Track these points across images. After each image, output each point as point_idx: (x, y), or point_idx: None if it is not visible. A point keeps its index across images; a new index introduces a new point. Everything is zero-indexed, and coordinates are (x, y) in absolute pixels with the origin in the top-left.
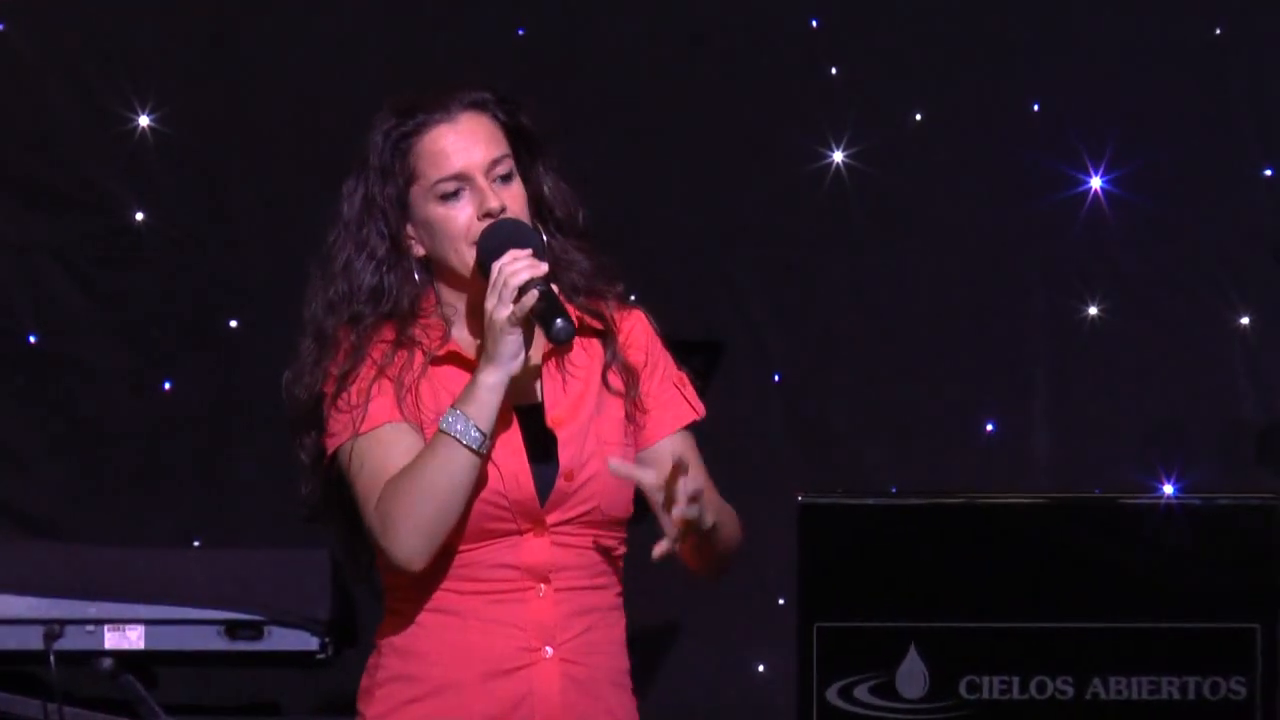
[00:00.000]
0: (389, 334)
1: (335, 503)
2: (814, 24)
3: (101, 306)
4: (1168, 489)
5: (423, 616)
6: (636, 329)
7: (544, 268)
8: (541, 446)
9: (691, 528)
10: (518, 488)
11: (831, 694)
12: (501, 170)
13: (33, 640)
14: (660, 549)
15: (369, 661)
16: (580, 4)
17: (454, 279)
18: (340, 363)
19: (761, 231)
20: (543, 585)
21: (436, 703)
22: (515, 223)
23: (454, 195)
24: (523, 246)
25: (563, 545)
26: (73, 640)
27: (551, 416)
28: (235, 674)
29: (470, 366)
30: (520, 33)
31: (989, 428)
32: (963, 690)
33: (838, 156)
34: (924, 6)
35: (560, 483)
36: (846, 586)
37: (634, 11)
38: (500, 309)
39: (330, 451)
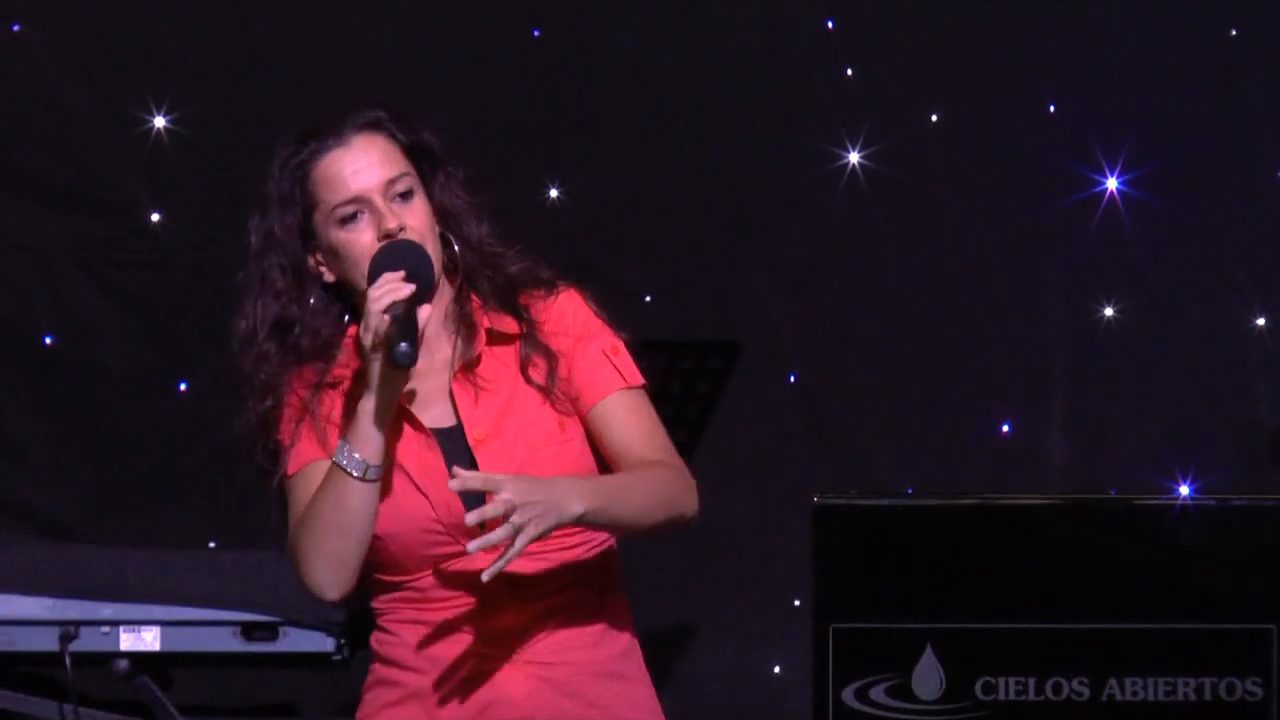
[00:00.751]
0: (310, 375)
1: None
2: (830, 25)
3: (118, 308)
4: (1184, 490)
5: (398, 627)
6: (566, 311)
7: (407, 290)
8: (465, 468)
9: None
10: (449, 514)
11: (847, 695)
12: (400, 188)
13: (48, 641)
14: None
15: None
16: (597, 4)
17: (363, 300)
18: (260, 401)
19: (778, 232)
20: (509, 594)
21: (413, 707)
22: (399, 244)
23: (353, 218)
24: (398, 268)
25: (525, 553)
26: (88, 641)
27: (472, 435)
28: (251, 675)
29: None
30: (536, 34)
31: (1005, 428)
32: (979, 691)
33: (854, 157)
34: (939, 7)
35: (488, 501)
36: (862, 587)
37: (651, 12)
38: (365, 335)
39: (277, 487)
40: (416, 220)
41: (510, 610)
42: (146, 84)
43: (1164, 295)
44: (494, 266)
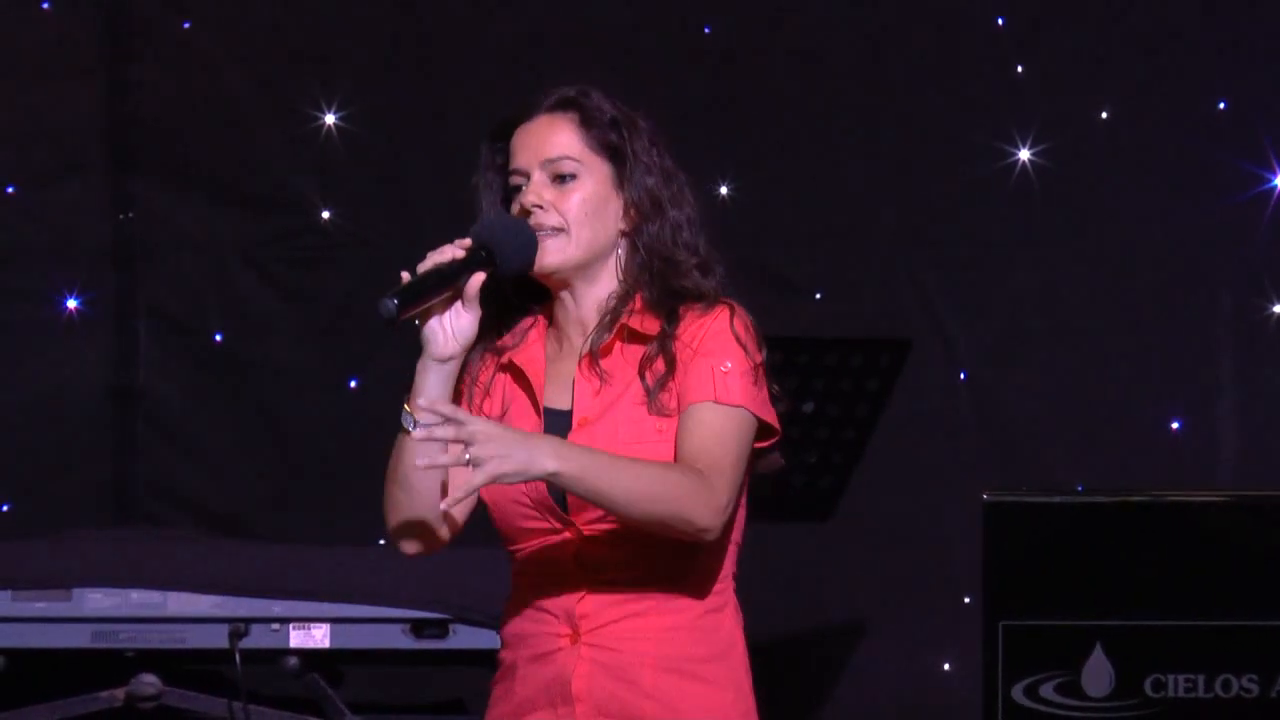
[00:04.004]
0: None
1: None
2: (1000, 23)
3: (289, 305)
4: None
5: (507, 605)
6: (707, 327)
7: (447, 254)
8: None
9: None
10: (535, 489)
11: (1017, 692)
12: (560, 169)
13: (218, 639)
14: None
15: None
16: (767, 3)
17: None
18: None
19: (949, 229)
20: (578, 577)
21: (507, 683)
22: (500, 217)
23: (518, 190)
24: (484, 237)
25: (595, 541)
26: (258, 639)
27: (577, 419)
28: (421, 673)
29: (524, 382)
30: (706, 30)
31: (1175, 425)
32: (1148, 688)
33: (1024, 154)
34: (1108, 4)
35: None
36: (1032, 585)
37: (823, 10)
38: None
39: None
40: (567, 204)
41: (585, 593)
42: (317, 81)
43: None
44: (666, 274)
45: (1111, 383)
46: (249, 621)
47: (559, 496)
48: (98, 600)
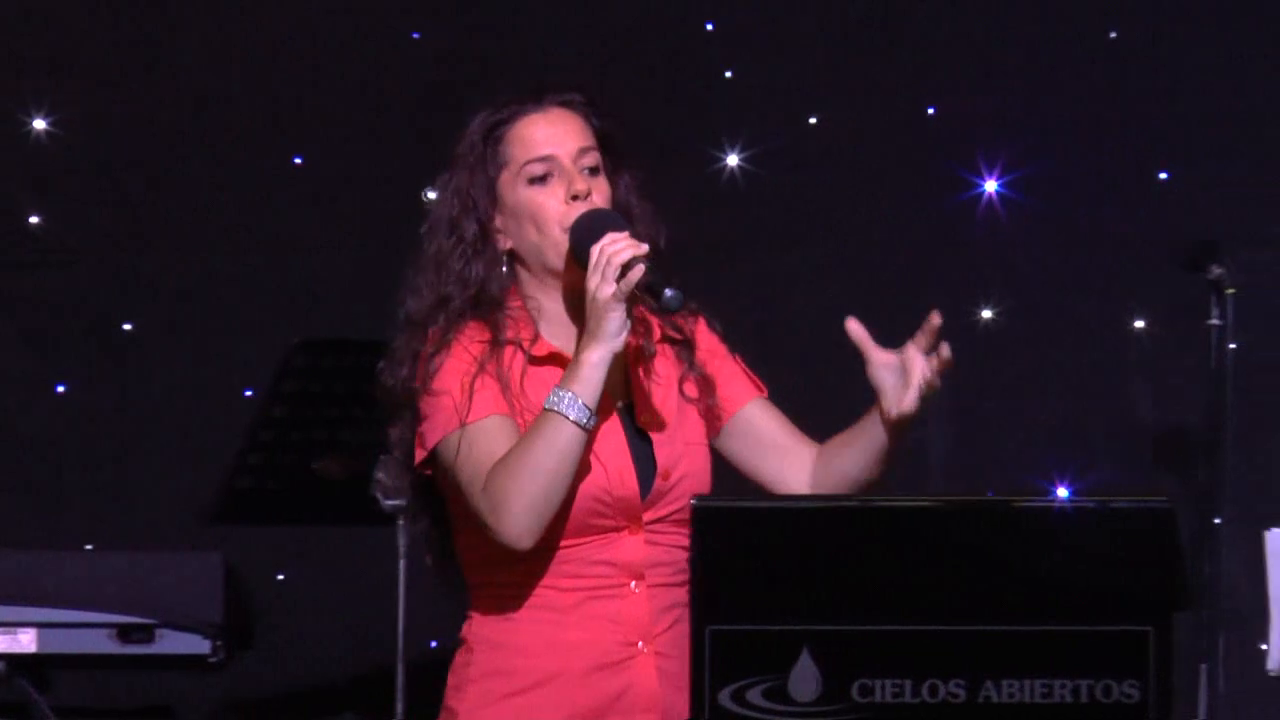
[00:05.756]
0: (483, 333)
1: (423, 496)
2: (710, 27)
3: None
4: (1062, 492)
5: (520, 613)
6: (708, 333)
7: (645, 247)
8: (638, 445)
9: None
10: (621, 484)
11: (724, 697)
12: (589, 161)
13: None
14: (903, 408)
15: (456, 658)
16: (478, 10)
17: (541, 269)
18: (429, 345)
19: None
20: (636, 581)
21: (537, 696)
22: (608, 210)
23: (542, 179)
24: (619, 230)
25: (655, 543)
26: None
27: (641, 418)
28: (127, 677)
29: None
30: (415, 36)
31: None
32: (855, 693)
33: (732, 160)
34: (817, 11)
35: (658, 481)
36: (740, 590)
37: (537, 15)
38: (604, 287)
39: (433, 443)
40: (602, 198)
41: (641, 597)
42: (26, 86)
43: (1043, 297)
44: None
45: (823, 386)
46: None
47: (644, 492)
48: None
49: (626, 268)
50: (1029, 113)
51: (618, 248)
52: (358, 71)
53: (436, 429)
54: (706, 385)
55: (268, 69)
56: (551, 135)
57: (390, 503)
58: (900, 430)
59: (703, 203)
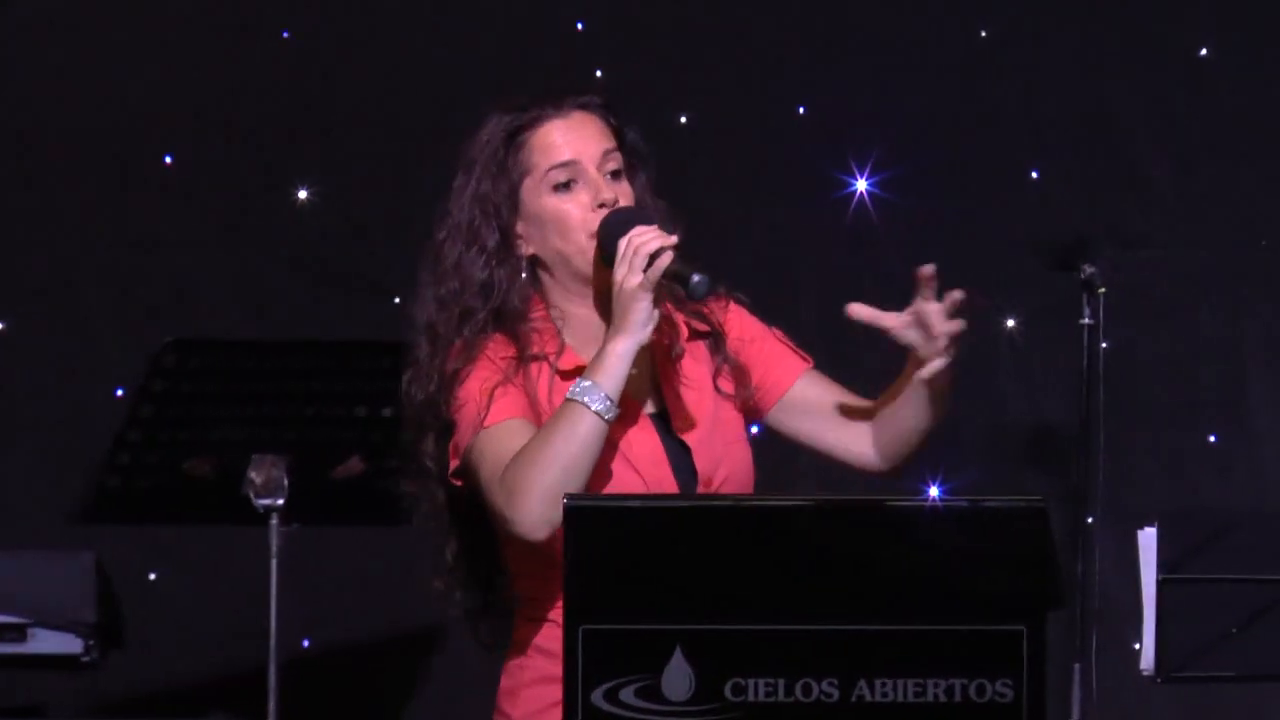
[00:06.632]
0: (508, 348)
1: (455, 515)
2: (580, 26)
3: None
4: (934, 491)
5: (547, 610)
6: (742, 320)
7: (673, 238)
8: (677, 453)
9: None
10: (659, 470)
11: (597, 696)
12: (612, 165)
13: None
14: (933, 367)
15: (510, 663)
16: (345, 6)
17: (566, 276)
18: (453, 360)
19: None
20: None
21: None
22: (634, 208)
23: (566, 186)
24: (647, 224)
25: None
26: None
27: (677, 424)
28: (0, 676)
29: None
30: (285, 35)
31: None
32: (728, 692)
33: None
34: (687, 9)
35: (700, 490)
36: (613, 588)
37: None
38: (631, 276)
39: (460, 454)
40: (628, 200)
41: None
42: None
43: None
44: None
45: None
46: None
47: (687, 482)
48: None
49: (653, 258)
50: (899, 112)
51: (646, 238)
52: (228, 70)
53: (465, 436)
54: (742, 375)
55: (138, 66)
56: (574, 140)
57: (263, 502)
58: (941, 381)
59: None
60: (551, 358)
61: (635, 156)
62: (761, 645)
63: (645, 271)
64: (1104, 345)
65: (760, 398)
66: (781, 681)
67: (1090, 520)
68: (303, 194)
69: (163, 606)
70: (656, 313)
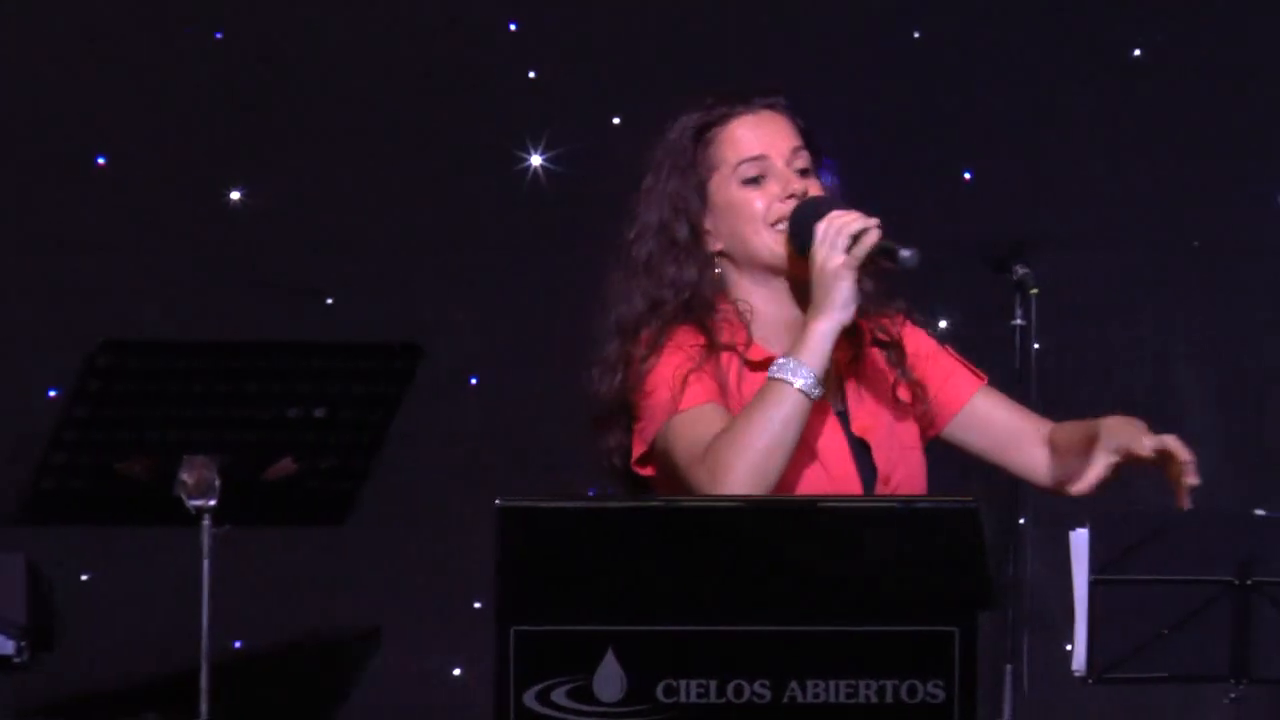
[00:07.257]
0: (696, 337)
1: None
2: (512, 27)
3: None
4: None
5: None
6: (915, 336)
7: (875, 220)
8: (858, 451)
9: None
10: (846, 489)
11: (529, 697)
12: (800, 162)
13: None
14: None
15: None
16: (279, 4)
17: (754, 269)
18: (643, 348)
19: (460, 234)
20: None
21: None
22: (824, 196)
23: (755, 180)
24: (841, 210)
25: None
26: None
27: (858, 425)
28: None
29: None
30: (218, 36)
31: None
32: (660, 694)
33: (535, 160)
34: (623, 11)
35: (879, 487)
36: (544, 589)
37: (338, 22)
38: (833, 256)
39: (652, 434)
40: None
41: None
42: None
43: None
44: (864, 277)
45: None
46: None
47: (868, 479)
48: None
49: (855, 239)
50: (832, 111)
51: (848, 219)
52: (161, 72)
53: (655, 420)
54: (919, 390)
55: (69, 66)
56: (764, 136)
57: (195, 503)
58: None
59: (506, 203)
60: (740, 348)
61: (819, 156)
62: (693, 646)
63: (848, 252)
64: (1036, 346)
65: (936, 412)
66: (713, 683)
67: (1022, 521)
68: (235, 195)
69: (95, 607)
70: (858, 293)
